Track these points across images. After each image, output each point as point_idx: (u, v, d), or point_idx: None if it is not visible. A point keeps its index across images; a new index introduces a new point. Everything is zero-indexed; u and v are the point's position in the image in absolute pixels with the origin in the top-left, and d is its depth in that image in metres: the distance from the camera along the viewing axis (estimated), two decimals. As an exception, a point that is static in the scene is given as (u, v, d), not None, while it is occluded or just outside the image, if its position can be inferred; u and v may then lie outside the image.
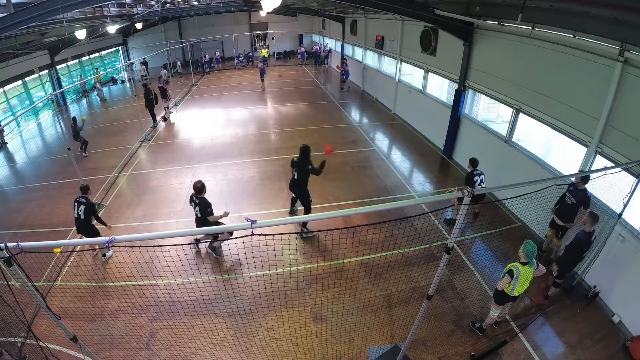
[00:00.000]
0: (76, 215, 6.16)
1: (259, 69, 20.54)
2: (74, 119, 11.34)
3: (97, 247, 6.70)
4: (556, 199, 5.74)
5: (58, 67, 18.60)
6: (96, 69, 22.30)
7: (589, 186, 5.38)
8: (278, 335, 4.95)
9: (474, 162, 6.98)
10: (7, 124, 12.81)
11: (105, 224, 6.44)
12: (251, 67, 27.39)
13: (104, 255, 6.63)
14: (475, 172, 6.85)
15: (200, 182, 6.16)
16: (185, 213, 8.09)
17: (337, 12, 19.49)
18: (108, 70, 22.82)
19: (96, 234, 6.28)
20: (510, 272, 4.28)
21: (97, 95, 20.06)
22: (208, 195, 7.23)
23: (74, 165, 8.36)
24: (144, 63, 23.81)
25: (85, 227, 6.19)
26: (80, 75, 21.19)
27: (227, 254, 6.75)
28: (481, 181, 6.83)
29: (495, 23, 7.33)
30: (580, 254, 5.00)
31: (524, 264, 4.27)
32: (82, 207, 6.08)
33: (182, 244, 7.10)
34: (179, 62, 26.69)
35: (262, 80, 20.50)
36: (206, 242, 6.72)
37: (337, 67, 19.24)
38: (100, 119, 16.39)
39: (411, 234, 5.84)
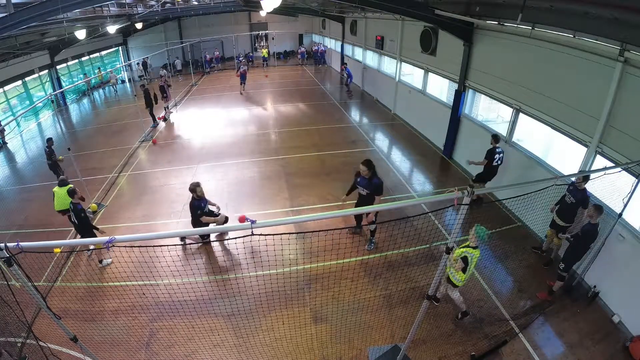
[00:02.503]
0: (71, 221, 6.30)
1: (240, 73, 18.47)
2: (50, 141, 8.96)
3: (92, 247, 6.67)
4: (556, 198, 5.74)
5: (58, 67, 18.62)
6: (98, 68, 22.83)
7: (589, 186, 5.39)
8: (278, 335, 4.95)
9: (496, 138, 7.18)
10: (7, 124, 12.83)
11: (96, 228, 6.47)
12: (251, 67, 27.38)
13: (100, 261, 6.55)
14: (497, 149, 7.09)
15: (192, 183, 6.41)
16: (185, 213, 8.08)
17: (337, 12, 19.49)
18: (112, 70, 23.13)
19: (91, 235, 6.26)
20: (465, 259, 4.45)
21: (112, 86, 21.92)
22: (208, 196, 7.25)
23: (74, 165, 8.35)
24: (143, 63, 23.87)
25: (82, 230, 6.20)
26: (85, 74, 21.32)
27: (227, 253, 6.75)
28: (500, 159, 7.15)
29: (495, 23, 7.34)
30: (587, 245, 5.06)
31: (474, 247, 4.46)
32: (73, 215, 6.12)
33: (182, 244, 7.13)
34: (178, 61, 26.77)
35: (243, 84, 18.65)
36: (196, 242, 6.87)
37: (340, 71, 18.65)
38: (101, 119, 16.40)
39: (411, 234, 5.84)
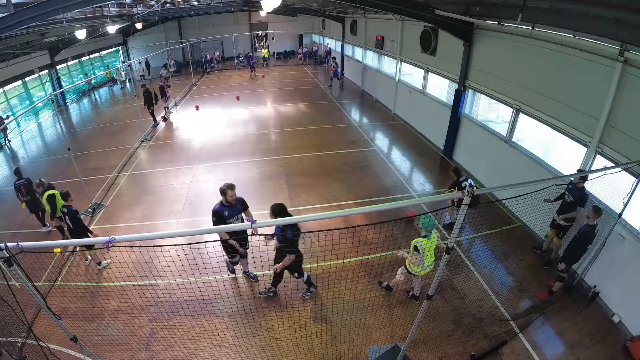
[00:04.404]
0: (67, 226, 6.16)
1: (250, 63, 24.38)
2: (18, 171, 7.74)
3: (89, 256, 6.63)
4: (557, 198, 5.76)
5: (58, 67, 18.62)
6: (107, 65, 24.09)
7: (589, 186, 5.38)
8: (278, 335, 4.95)
9: (457, 172, 6.94)
10: (8, 123, 12.84)
11: (90, 231, 6.40)
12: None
13: (98, 263, 6.51)
14: (461, 180, 6.82)
15: (224, 184, 5.15)
16: (186, 213, 8.10)
17: (337, 12, 19.49)
18: (119, 66, 23.49)
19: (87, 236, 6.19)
20: (417, 249, 4.74)
21: (120, 83, 23.42)
22: (208, 196, 7.21)
23: (74, 165, 8.35)
24: (146, 63, 23.89)
25: (76, 234, 6.12)
26: (87, 74, 21.39)
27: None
28: (469, 185, 6.78)
29: (495, 23, 7.33)
30: (585, 246, 5.06)
31: (424, 237, 4.78)
32: (67, 218, 6.01)
33: (182, 244, 7.11)
34: (173, 61, 26.52)
35: (254, 71, 23.94)
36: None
37: (331, 68, 19.87)
38: (101, 118, 16.40)
39: (411, 234, 5.84)
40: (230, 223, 4.93)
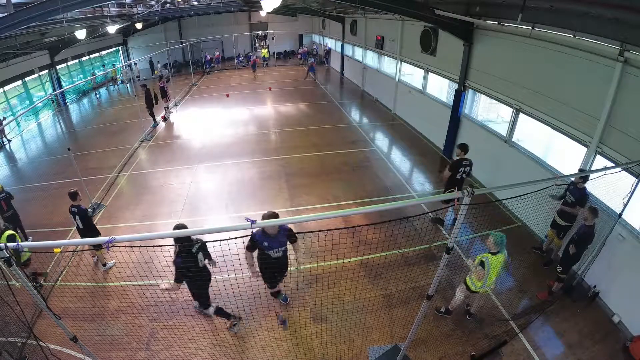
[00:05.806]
0: (76, 226, 6.13)
1: (251, 62, 24.29)
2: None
3: (96, 254, 6.64)
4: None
5: (58, 67, 18.61)
6: (113, 64, 24.62)
7: (589, 186, 5.39)
8: (278, 335, 4.95)
9: (464, 148, 6.48)
10: (7, 123, 12.86)
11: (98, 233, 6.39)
12: (248, 68, 27.41)
13: (104, 264, 6.51)
14: (463, 162, 6.47)
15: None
16: (186, 213, 8.09)
17: (337, 12, 19.48)
18: (118, 66, 23.56)
19: (97, 235, 6.21)
20: (482, 264, 4.43)
21: (123, 83, 23.95)
22: (208, 196, 7.12)
23: (74, 165, 8.36)
24: (150, 63, 23.88)
25: (88, 234, 6.09)
26: (93, 73, 21.40)
27: (227, 254, 6.73)
28: (464, 172, 6.58)
29: (495, 23, 7.33)
30: (584, 246, 5.05)
31: (493, 253, 4.44)
32: (78, 218, 5.97)
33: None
34: (160, 66, 24.51)
35: (254, 71, 23.90)
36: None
37: (312, 64, 22.27)
38: (101, 118, 16.40)
39: (411, 234, 5.84)
40: (270, 255, 4.53)
